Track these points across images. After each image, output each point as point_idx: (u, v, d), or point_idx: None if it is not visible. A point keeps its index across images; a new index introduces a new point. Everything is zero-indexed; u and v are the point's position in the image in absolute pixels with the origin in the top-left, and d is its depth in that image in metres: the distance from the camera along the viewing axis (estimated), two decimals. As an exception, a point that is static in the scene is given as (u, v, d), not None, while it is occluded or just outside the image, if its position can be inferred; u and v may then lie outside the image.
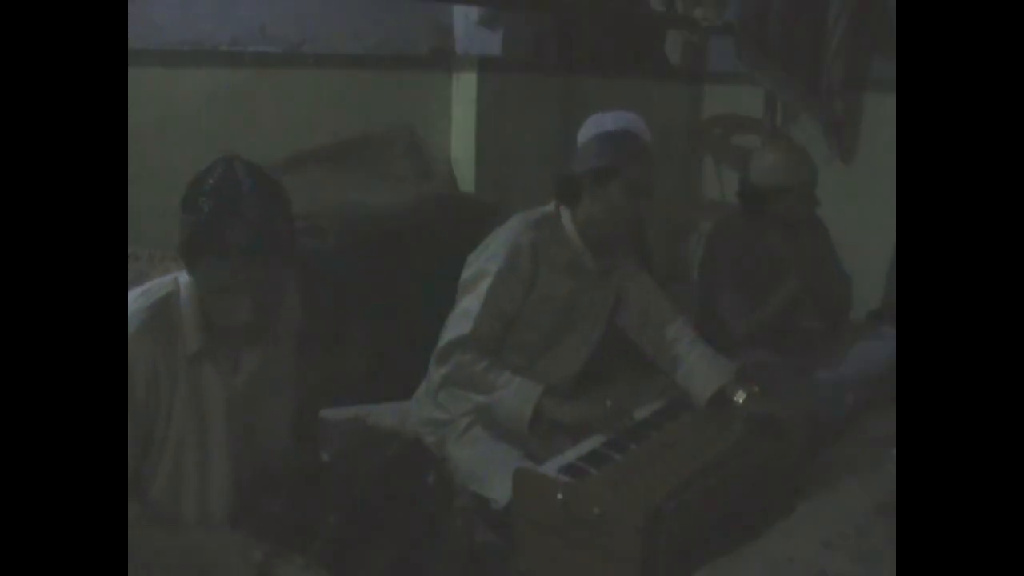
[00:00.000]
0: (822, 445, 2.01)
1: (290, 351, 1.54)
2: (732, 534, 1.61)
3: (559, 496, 1.56)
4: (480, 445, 1.90)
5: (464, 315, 1.88)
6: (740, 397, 1.93)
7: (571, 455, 1.73)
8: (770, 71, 3.40)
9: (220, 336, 1.37)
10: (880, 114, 3.33)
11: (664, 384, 2.10)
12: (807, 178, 2.38)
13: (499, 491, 1.75)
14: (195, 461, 1.38)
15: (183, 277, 1.37)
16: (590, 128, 2.04)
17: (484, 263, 1.91)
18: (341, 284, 2.40)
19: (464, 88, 3.21)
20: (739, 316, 2.37)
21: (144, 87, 2.24)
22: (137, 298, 1.34)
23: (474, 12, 3.15)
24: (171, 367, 1.33)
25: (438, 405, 1.99)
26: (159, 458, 1.35)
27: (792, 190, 2.35)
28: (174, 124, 2.38)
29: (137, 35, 2.40)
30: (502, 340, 1.93)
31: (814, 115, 3.48)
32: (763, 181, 2.38)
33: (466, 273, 1.96)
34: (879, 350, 2.34)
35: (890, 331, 2.39)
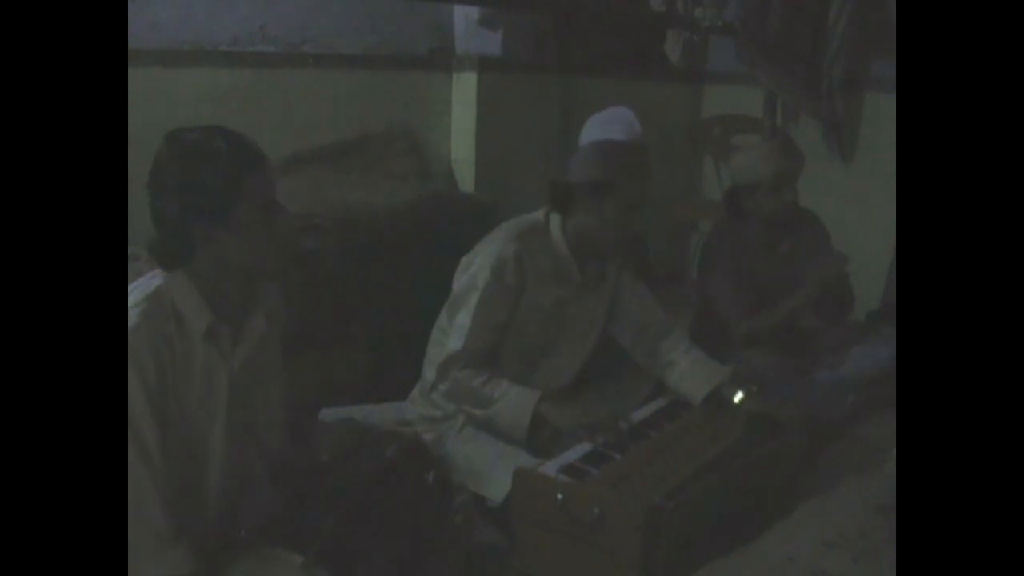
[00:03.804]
0: (822, 445, 2.01)
1: (278, 335, 1.55)
2: (732, 534, 1.61)
3: (559, 496, 1.57)
4: (476, 442, 1.91)
5: (458, 330, 1.89)
6: (739, 397, 1.93)
7: (571, 455, 1.73)
8: (770, 71, 3.40)
9: (224, 310, 1.39)
10: (880, 114, 3.34)
11: (658, 388, 2.11)
12: (775, 173, 2.35)
13: (495, 489, 1.76)
14: (195, 448, 1.38)
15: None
16: (589, 132, 2.03)
17: (472, 277, 1.91)
18: (341, 284, 2.40)
19: (464, 88, 3.21)
20: (738, 315, 2.38)
21: (144, 87, 2.24)
22: (130, 294, 1.35)
23: (474, 12, 3.15)
24: (172, 355, 1.34)
25: (432, 403, 2.00)
26: (165, 447, 1.35)
27: (760, 186, 2.34)
28: (174, 124, 2.37)
29: (137, 35, 2.40)
30: (496, 350, 1.93)
31: (814, 115, 3.48)
32: (736, 180, 2.41)
33: (458, 284, 1.96)
34: (879, 350, 2.34)
35: (890, 331, 2.39)
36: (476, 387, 1.86)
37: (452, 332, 1.91)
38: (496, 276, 1.87)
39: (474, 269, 1.91)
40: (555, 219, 1.96)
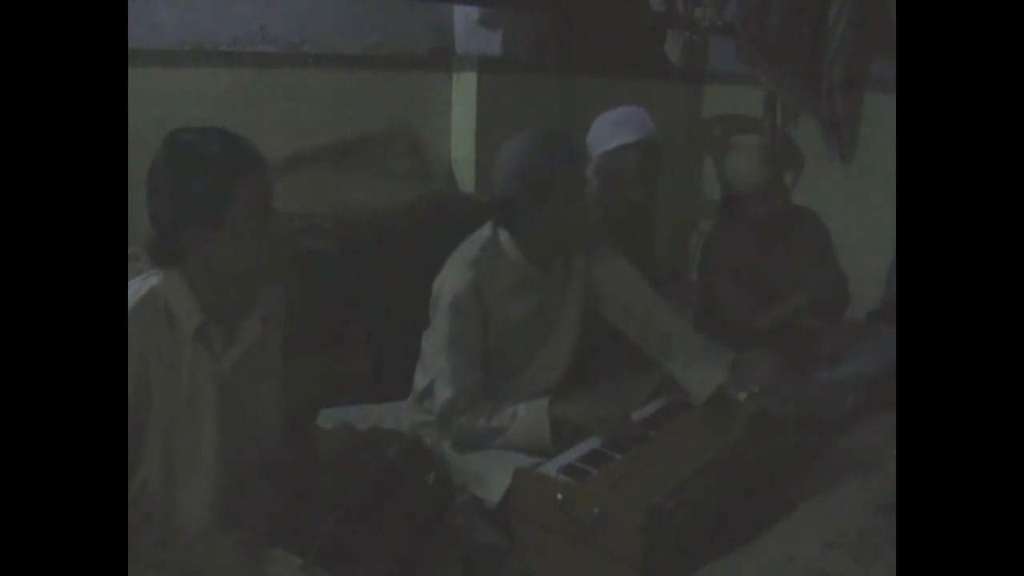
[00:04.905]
0: (822, 445, 2.01)
1: (277, 338, 1.55)
2: (732, 534, 1.61)
3: (559, 496, 1.57)
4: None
5: (443, 378, 1.87)
6: (739, 396, 1.92)
7: (571, 455, 1.73)
8: (770, 71, 3.40)
9: (220, 311, 1.40)
10: (880, 114, 3.34)
11: (658, 379, 2.10)
12: (765, 178, 2.37)
13: (493, 491, 1.76)
14: (186, 447, 1.38)
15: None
16: (599, 131, 2.04)
17: (438, 321, 1.88)
18: (341, 284, 2.40)
19: (464, 88, 3.21)
20: (740, 314, 2.39)
21: (144, 87, 2.24)
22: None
23: (474, 12, 3.15)
24: (161, 353, 1.34)
25: (425, 410, 1.99)
26: (151, 446, 1.35)
27: (751, 191, 2.36)
28: (174, 124, 2.38)
29: (137, 35, 2.40)
30: (485, 373, 1.91)
31: (814, 115, 3.48)
32: (729, 184, 2.42)
33: (431, 319, 1.94)
34: (879, 350, 2.34)
35: (890, 331, 2.39)
36: (482, 427, 1.86)
37: (437, 380, 1.89)
38: (457, 314, 1.84)
39: (437, 313, 1.89)
40: (503, 233, 1.93)
